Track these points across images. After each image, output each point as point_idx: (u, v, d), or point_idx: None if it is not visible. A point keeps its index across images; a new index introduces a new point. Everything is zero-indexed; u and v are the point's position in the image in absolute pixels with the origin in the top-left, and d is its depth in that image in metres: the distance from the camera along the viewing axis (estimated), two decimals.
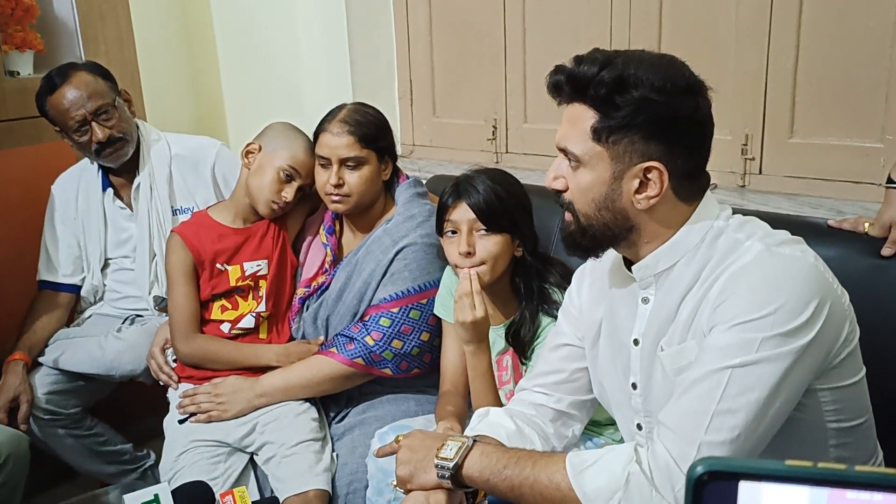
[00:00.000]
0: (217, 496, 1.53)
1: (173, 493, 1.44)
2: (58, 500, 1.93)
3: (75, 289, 2.22)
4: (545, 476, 1.10)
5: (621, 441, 1.63)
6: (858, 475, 0.39)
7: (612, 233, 1.12)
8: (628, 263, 1.18)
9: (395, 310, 1.76)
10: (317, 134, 1.81)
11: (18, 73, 2.39)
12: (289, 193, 1.87)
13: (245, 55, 2.95)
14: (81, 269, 2.22)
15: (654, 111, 1.04)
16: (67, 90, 2.00)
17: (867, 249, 1.45)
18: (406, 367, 1.79)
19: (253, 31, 2.89)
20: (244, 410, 1.80)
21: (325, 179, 1.78)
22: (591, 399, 1.36)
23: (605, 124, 1.06)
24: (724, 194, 2.02)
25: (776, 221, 1.18)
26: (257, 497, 1.73)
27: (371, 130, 1.78)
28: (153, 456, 2.27)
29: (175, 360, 1.95)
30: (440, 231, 1.64)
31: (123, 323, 2.18)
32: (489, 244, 1.57)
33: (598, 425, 1.61)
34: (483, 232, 1.58)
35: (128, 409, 2.29)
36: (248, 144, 1.92)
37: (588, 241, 1.14)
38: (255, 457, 1.80)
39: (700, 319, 1.08)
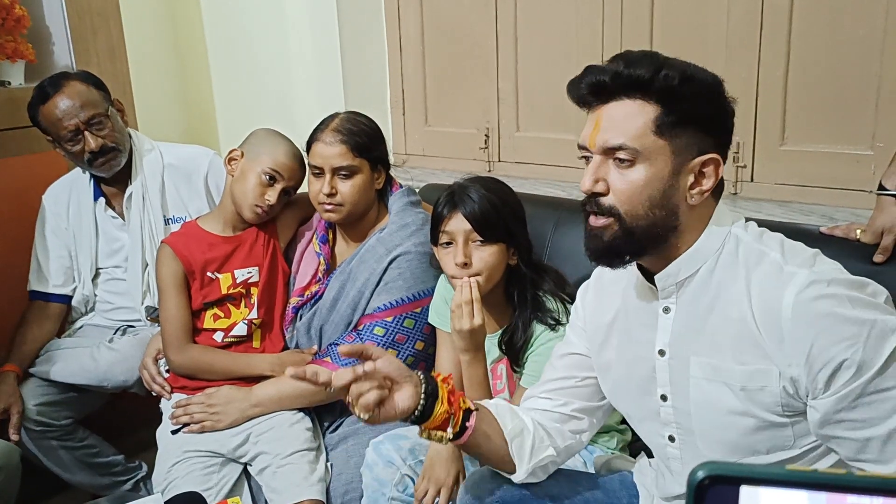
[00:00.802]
0: None
1: None
2: None
3: (66, 299, 2.21)
4: None
5: (619, 449, 1.63)
6: (858, 480, 0.39)
7: (656, 233, 1.10)
8: (647, 275, 1.18)
9: (390, 319, 1.76)
10: (310, 143, 1.81)
11: (9, 83, 2.38)
12: (272, 196, 1.87)
13: (236, 65, 2.95)
14: (73, 280, 2.21)
15: (712, 103, 1.09)
16: (60, 99, 1.99)
17: (859, 256, 1.45)
18: None
19: (244, 42, 2.89)
20: (238, 420, 1.79)
21: (318, 189, 1.78)
22: (600, 406, 1.34)
23: (669, 117, 1.07)
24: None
25: (769, 229, 1.19)
26: None
27: (364, 139, 1.78)
28: (145, 467, 2.25)
29: (168, 371, 1.94)
30: (435, 241, 1.64)
31: (115, 333, 2.17)
32: (485, 255, 1.57)
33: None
34: (479, 242, 1.58)
35: (120, 421, 2.28)
36: (231, 152, 1.93)
37: (634, 245, 1.11)
38: (248, 467, 1.79)
39: (745, 346, 1.07)
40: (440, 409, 1.18)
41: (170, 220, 2.17)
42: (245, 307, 1.91)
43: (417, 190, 2.01)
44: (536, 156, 2.48)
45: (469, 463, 1.58)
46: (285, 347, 1.93)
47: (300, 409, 1.83)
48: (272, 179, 1.87)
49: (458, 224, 1.58)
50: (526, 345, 1.59)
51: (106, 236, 2.19)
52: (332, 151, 1.76)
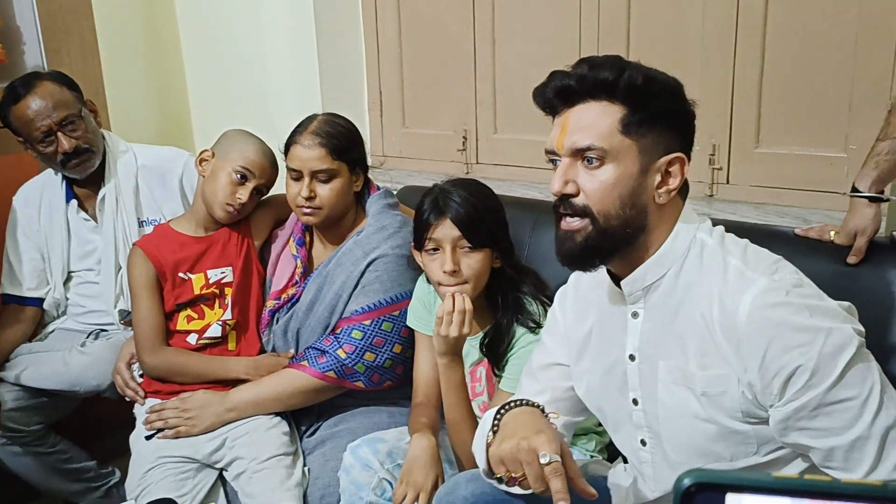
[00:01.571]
0: None
1: None
2: None
3: (40, 302, 2.18)
4: None
5: (597, 451, 1.64)
6: (844, 487, 0.39)
7: (628, 233, 1.11)
8: (615, 279, 1.19)
9: (368, 322, 1.75)
10: (288, 146, 1.79)
11: None
12: (244, 194, 1.86)
13: (212, 65, 2.92)
14: (46, 283, 2.18)
15: (675, 103, 1.11)
16: (32, 100, 1.96)
17: (833, 258, 1.47)
18: (378, 379, 1.78)
19: (220, 42, 2.87)
20: (213, 425, 1.77)
21: (296, 192, 1.76)
22: (578, 420, 1.37)
23: (635, 117, 1.09)
24: (692, 204, 2.03)
25: (744, 230, 1.21)
26: None
27: (342, 142, 1.77)
28: (118, 473, 2.22)
29: (142, 376, 1.92)
30: (420, 247, 1.63)
31: (88, 337, 2.14)
32: (473, 262, 1.57)
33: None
34: (467, 249, 1.57)
35: (92, 426, 2.24)
36: (202, 152, 1.92)
37: (607, 245, 1.12)
38: (224, 472, 1.77)
39: (708, 351, 1.08)
40: None
41: (144, 223, 2.14)
42: (219, 308, 1.90)
43: (395, 192, 2.01)
44: (514, 158, 2.48)
45: (447, 466, 1.58)
46: (262, 350, 1.91)
47: (277, 413, 1.81)
48: (243, 178, 1.86)
49: (446, 231, 1.57)
50: (507, 347, 1.59)
51: (78, 239, 2.16)
52: (310, 154, 1.74)
